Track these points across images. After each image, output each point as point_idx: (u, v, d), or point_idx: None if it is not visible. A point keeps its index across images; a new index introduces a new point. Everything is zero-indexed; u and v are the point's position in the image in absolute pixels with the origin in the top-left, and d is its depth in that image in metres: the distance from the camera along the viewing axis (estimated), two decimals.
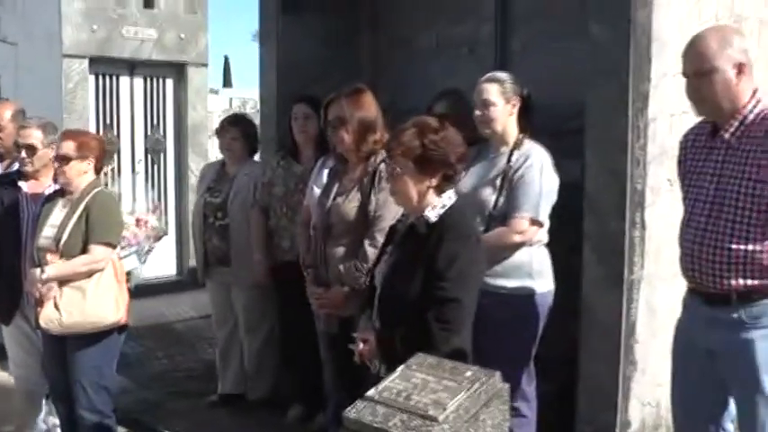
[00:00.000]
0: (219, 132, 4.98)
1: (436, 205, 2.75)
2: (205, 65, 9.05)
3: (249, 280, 4.73)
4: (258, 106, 5.94)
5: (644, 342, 3.56)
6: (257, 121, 5.47)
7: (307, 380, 4.52)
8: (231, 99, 24.91)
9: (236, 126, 4.93)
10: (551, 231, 3.55)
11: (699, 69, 2.75)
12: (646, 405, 3.67)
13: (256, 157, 5.09)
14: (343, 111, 3.57)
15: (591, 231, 3.52)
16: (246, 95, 23.22)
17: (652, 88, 3.44)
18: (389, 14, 5.10)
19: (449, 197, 2.78)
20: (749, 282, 2.70)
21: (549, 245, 3.57)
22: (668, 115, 3.53)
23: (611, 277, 3.47)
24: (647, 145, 3.44)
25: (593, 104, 3.50)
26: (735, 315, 2.74)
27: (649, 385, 3.63)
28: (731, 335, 2.76)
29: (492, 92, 3.51)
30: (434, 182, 2.75)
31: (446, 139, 2.75)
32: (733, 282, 2.72)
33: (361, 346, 2.85)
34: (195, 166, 8.39)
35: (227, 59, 32.64)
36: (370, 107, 3.59)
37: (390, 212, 3.27)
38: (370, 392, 2.22)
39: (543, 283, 3.52)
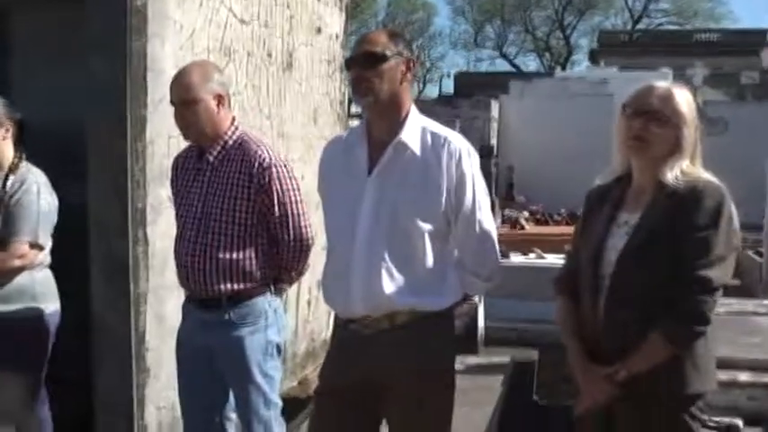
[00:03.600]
0: None
1: None
2: None
3: None
4: None
5: (154, 350, 3.80)
6: None
7: None
8: None
9: None
10: (58, 252, 3.63)
11: (184, 99, 3.07)
12: (161, 408, 3.92)
13: None
14: None
15: (96, 249, 3.67)
16: None
17: (149, 113, 3.69)
18: None
19: None
20: (236, 286, 3.09)
21: (55, 265, 3.64)
22: (166, 138, 3.82)
23: (118, 292, 3.65)
24: (147, 166, 3.69)
25: (94, 128, 3.66)
26: (226, 316, 3.11)
27: (163, 389, 3.87)
28: (224, 333, 3.12)
29: None
30: None
31: None
32: (222, 287, 3.08)
33: None
34: None
35: None
36: None
37: None
38: None
39: (49, 303, 3.57)
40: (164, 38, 3.81)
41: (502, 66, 41.61)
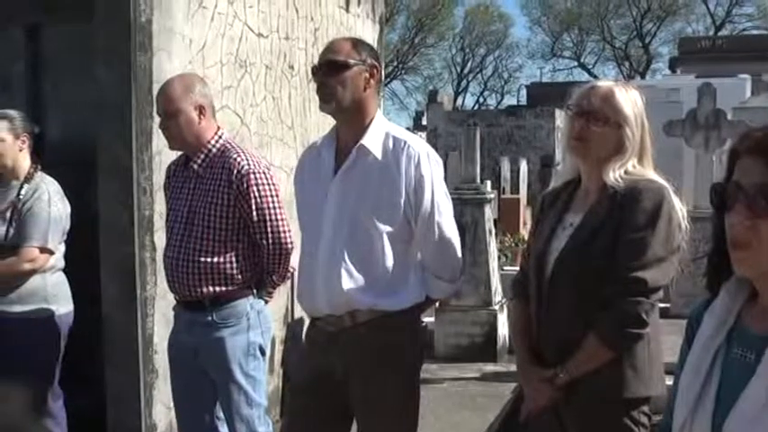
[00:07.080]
0: None
1: None
2: None
3: None
4: None
5: (162, 352, 3.93)
6: None
7: None
8: None
9: None
10: (72, 256, 3.84)
11: (167, 110, 3.22)
12: (170, 408, 4.06)
13: None
14: None
15: (106, 254, 3.85)
16: None
17: (155, 125, 3.86)
18: None
19: None
20: (217, 288, 3.21)
21: (69, 268, 3.85)
22: None
23: (126, 295, 3.82)
24: (153, 175, 3.85)
25: (102, 139, 3.85)
26: (209, 317, 3.23)
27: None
28: (207, 334, 3.25)
29: (1, 128, 3.72)
30: None
31: None
32: (204, 289, 3.21)
33: None
34: None
35: None
36: None
37: None
38: None
39: (61, 305, 3.78)
40: (170, 52, 3.98)
41: (580, 76, 41.08)
